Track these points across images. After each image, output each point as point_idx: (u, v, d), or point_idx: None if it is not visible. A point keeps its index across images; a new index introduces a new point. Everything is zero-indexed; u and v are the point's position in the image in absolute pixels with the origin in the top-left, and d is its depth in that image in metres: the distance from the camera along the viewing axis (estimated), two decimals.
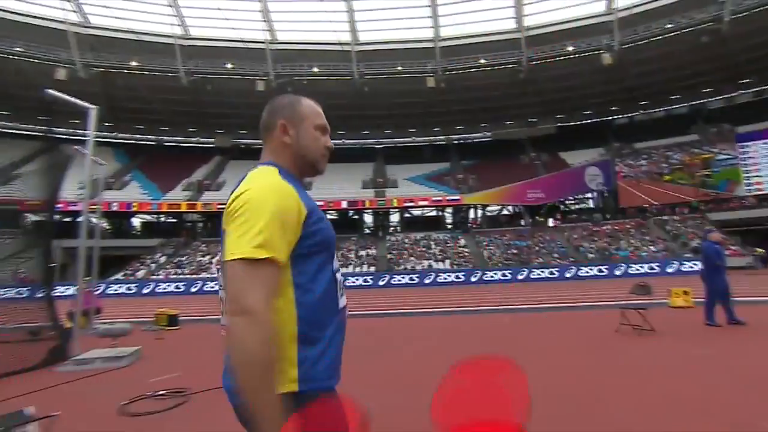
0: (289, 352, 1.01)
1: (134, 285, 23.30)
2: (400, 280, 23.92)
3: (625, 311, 6.75)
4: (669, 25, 30.68)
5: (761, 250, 24.03)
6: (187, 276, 25.78)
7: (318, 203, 1.18)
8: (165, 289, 23.06)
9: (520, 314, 9.92)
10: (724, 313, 6.90)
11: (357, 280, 23.96)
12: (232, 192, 1.06)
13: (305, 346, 1.02)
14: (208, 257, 29.89)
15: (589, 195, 37.81)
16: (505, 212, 38.41)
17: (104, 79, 34.39)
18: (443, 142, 43.11)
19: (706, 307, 7.07)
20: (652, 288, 6.99)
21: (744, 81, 35.81)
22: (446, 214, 38.28)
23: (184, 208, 33.10)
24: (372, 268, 26.77)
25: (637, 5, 30.65)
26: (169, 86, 35.44)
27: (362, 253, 29.33)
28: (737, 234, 26.39)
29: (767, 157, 29.20)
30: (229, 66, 35.60)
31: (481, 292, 17.41)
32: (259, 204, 0.99)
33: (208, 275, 26.62)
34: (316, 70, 36.36)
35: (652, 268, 22.11)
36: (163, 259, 29.10)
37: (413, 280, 23.76)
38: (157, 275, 26.18)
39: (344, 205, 34.20)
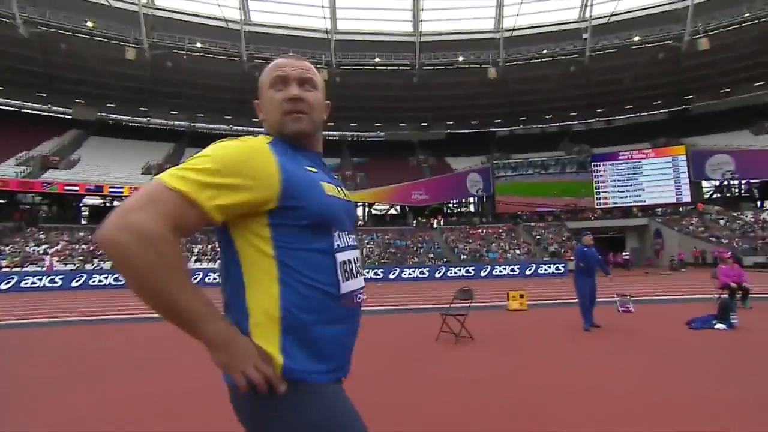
0: (271, 335, 0.92)
1: None
2: None
3: (446, 317, 6.36)
4: (544, 51, 33.85)
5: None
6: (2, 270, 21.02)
7: None
8: None
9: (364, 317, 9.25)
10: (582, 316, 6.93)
11: None
12: None
13: (289, 331, 0.93)
14: (43, 247, 24.94)
15: (471, 199, 40.10)
16: (392, 212, 38.89)
17: None
18: (336, 138, 42.27)
19: (583, 311, 6.94)
20: (473, 292, 6.72)
21: (599, 110, 41.21)
22: None
23: (14, 187, 27.20)
24: None
25: (519, 29, 33.25)
26: (2, 35, 29.02)
27: None
28: None
29: (613, 177, 33.87)
30: (90, 24, 30.38)
31: None
32: (210, 151, 0.91)
33: (37, 268, 22.09)
34: (199, 45, 32.91)
35: (513, 270, 23.71)
36: None
37: None
38: None
39: None
